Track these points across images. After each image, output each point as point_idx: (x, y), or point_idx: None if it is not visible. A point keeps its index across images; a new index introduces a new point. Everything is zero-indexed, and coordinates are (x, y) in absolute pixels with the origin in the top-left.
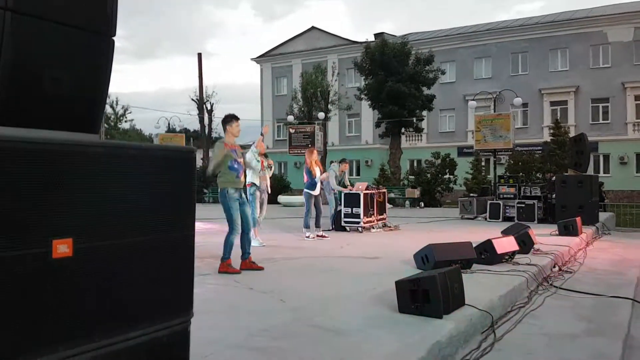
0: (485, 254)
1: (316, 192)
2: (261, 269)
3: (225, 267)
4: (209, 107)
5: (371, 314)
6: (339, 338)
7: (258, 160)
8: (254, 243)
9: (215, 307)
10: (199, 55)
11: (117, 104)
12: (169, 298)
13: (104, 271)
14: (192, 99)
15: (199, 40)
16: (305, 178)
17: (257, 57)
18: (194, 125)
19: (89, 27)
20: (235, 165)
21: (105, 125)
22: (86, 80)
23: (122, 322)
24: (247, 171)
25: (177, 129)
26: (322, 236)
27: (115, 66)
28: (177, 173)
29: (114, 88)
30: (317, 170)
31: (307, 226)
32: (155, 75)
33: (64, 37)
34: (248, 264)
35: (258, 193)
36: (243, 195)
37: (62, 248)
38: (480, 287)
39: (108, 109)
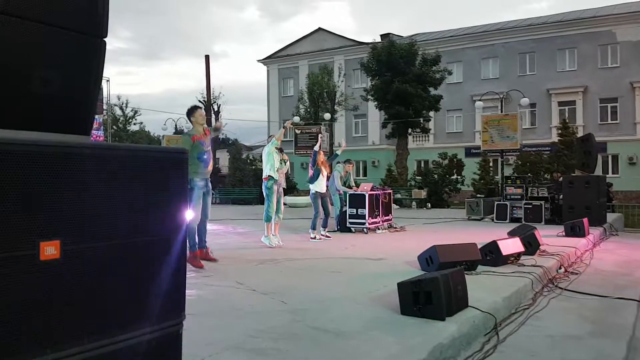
0: (491, 255)
1: (322, 188)
2: (215, 260)
3: (191, 259)
4: (215, 109)
5: (373, 316)
6: (339, 340)
7: (276, 153)
8: (263, 240)
9: (216, 309)
10: (207, 57)
11: (126, 106)
12: (160, 301)
13: (92, 273)
14: (200, 101)
15: (206, 41)
16: (310, 172)
17: (264, 59)
18: None
19: (78, 28)
20: (205, 156)
21: (114, 127)
22: (76, 81)
23: (111, 325)
24: (263, 165)
25: (185, 130)
26: (326, 236)
27: (122, 68)
28: (169, 174)
29: (122, 89)
30: (325, 172)
31: (313, 227)
32: (163, 77)
33: (52, 38)
34: (204, 254)
35: (275, 187)
36: (209, 184)
37: (50, 250)
38: (485, 288)
39: (117, 111)
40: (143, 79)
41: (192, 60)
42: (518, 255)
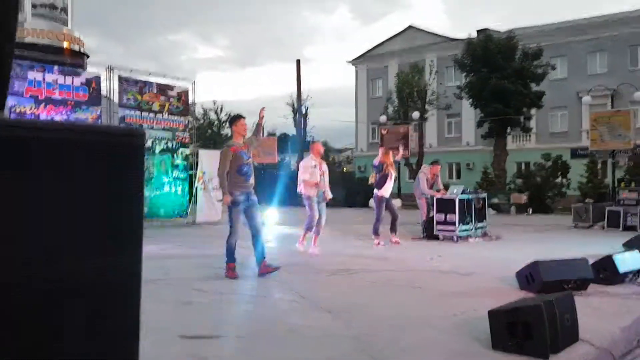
0: (605, 272)
1: (387, 193)
2: (278, 268)
3: (228, 272)
4: (303, 112)
5: (455, 349)
6: None
7: (315, 166)
8: (299, 247)
9: (269, 330)
10: (298, 61)
11: (221, 110)
12: None
13: None
14: (288, 104)
15: (298, 46)
16: (375, 176)
17: (353, 60)
18: (288, 129)
19: None
20: (245, 169)
21: (209, 130)
22: None
23: None
24: (299, 177)
25: (278, 134)
26: (396, 242)
27: (219, 75)
28: (115, 167)
29: (219, 95)
30: (392, 174)
31: (376, 233)
32: (257, 82)
33: None
34: (264, 268)
35: (314, 199)
36: (252, 197)
37: None
38: (598, 315)
39: (212, 115)
40: (239, 84)
41: (285, 65)
42: (637, 273)
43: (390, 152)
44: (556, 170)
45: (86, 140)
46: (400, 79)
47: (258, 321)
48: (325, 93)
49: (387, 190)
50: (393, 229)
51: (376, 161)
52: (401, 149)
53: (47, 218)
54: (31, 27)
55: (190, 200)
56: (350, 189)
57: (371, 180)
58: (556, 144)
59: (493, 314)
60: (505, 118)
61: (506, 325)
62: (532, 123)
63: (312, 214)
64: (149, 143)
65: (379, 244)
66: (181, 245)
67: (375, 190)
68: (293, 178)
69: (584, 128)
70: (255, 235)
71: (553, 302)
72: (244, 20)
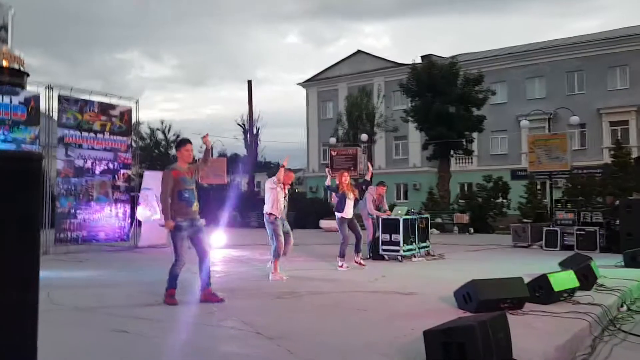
0: (540, 291)
1: (348, 214)
2: (222, 300)
3: (167, 298)
4: (254, 132)
5: None
6: None
7: (281, 189)
8: (274, 278)
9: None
10: (249, 82)
11: (169, 130)
12: None
13: None
14: (239, 124)
15: (250, 67)
16: (334, 199)
17: (304, 82)
18: (239, 150)
19: None
20: (186, 195)
21: (156, 151)
22: None
23: None
24: (265, 199)
25: (229, 154)
26: (360, 263)
27: (168, 94)
28: (7, 195)
29: (167, 115)
30: (351, 195)
31: (342, 255)
32: (208, 103)
33: None
34: (208, 296)
35: (280, 222)
36: (197, 222)
37: None
38: (533, 334)
39: (159, 135)
40: (188, 105)
41: (236, 85)
42: (572, 291)
43: (345, 173)
44: (497, 191)
45: None
46: (349, 102)
47: (193, 351)
48: (277, 114)
49: (347, 212)
50: (357, 249)
51: (328, 181)
52: (369, 166)
53: None
54: None
55: (132, 223)
56: (302, 210)
57: (332, 201)
58: (497, 165)
59: (428, 335)
60: (449, 141)
61: (441, 346)
62: (474, 146)
63: (278, 241)
64: (88, 164)
65: (342, 266)
66: (120, 270)
67: (336, 213)
68: (243, 199)
69: (523, 150)
70: (202, 261)
71: (487, 322)
72: (194, 40)
